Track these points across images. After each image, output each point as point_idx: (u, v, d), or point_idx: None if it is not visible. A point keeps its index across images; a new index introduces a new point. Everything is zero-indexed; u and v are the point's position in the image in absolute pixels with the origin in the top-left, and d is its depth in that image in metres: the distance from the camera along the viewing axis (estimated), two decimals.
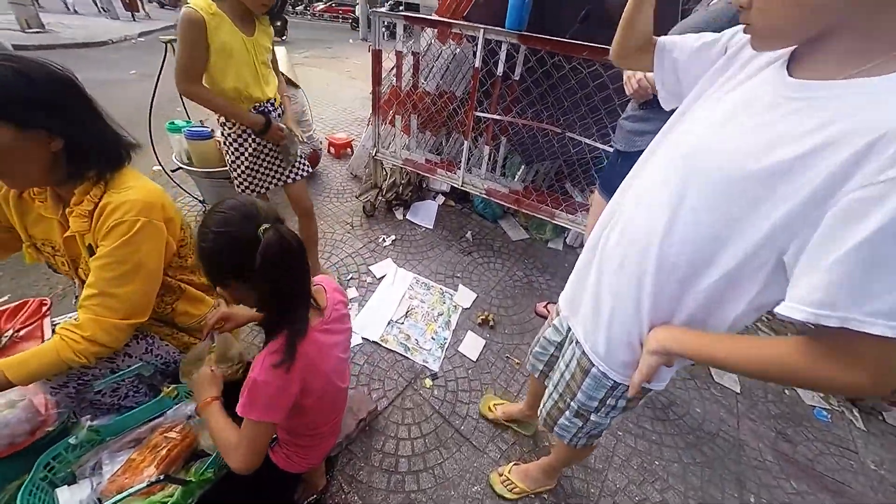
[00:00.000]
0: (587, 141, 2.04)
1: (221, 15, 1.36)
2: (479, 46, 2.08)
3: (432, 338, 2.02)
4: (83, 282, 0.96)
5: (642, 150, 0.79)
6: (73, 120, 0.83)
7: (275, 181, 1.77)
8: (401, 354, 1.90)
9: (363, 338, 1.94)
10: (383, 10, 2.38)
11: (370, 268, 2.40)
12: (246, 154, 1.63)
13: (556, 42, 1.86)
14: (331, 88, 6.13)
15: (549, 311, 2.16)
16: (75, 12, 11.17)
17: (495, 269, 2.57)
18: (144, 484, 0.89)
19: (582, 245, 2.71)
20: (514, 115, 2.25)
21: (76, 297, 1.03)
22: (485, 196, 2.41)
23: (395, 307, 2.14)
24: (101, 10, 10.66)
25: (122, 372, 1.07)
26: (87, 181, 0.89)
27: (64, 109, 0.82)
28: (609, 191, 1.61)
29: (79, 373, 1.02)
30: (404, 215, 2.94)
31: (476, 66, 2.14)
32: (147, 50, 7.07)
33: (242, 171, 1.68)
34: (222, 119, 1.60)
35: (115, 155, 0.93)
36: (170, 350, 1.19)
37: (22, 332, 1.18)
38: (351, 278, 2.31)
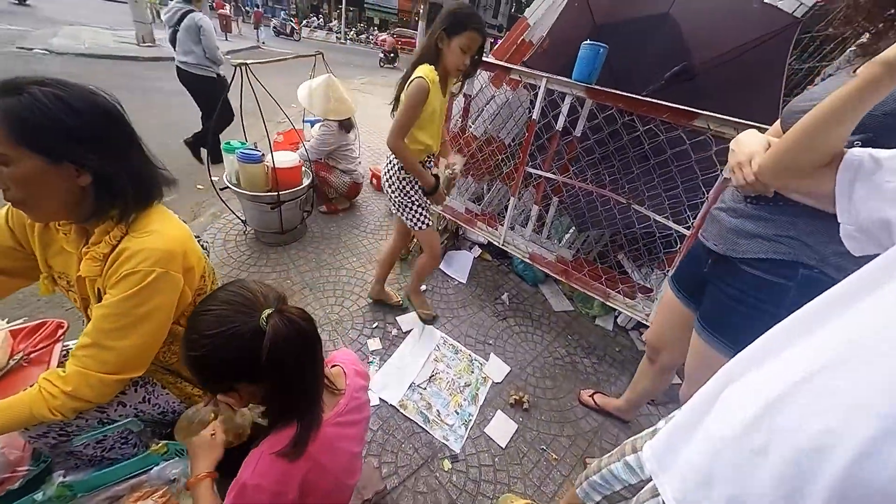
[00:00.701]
0: (658, 218, 1.70)
1: (437, 82, 1.51)
2: (540, 96, 1.84)
3: (456, 411, 1.73)
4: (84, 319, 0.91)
5: (749, 258, 0.61)
6: (108, 155, 0.76)
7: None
8: (419, 426, 1.63)
9: (381, 399, 1.70)
10: None
11: (397, 318, 2.14)
12: (419, 193, 1.77)
13: (633, 100, 1.57)
14: (382, 116, 6.15)
15: (595, 403, 1.79)
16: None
17: (533, 341, 2.21)
18: None
19: (637, 328, 2.31)
20: (570, 175, 1.95)
21: None
22: (528, 261, 2.10)
23: (418, 369, 1.86)
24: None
25: (106, 427, 0.96)
26: (109, 220, 0.81)
27: (102, 144, 0.75)
28: (687, 291, 1.20)
29: (61, 423, 0.90)
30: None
31: (533, 117, 1.89)
32: (227, 68, 7.44)
33: (419, 206, 1.77)
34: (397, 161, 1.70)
35: (145, 194, 0.85)
36: (170, 400, 1.08)
37: (32, 356, 1.10)
38: (376, 327, 2.07)
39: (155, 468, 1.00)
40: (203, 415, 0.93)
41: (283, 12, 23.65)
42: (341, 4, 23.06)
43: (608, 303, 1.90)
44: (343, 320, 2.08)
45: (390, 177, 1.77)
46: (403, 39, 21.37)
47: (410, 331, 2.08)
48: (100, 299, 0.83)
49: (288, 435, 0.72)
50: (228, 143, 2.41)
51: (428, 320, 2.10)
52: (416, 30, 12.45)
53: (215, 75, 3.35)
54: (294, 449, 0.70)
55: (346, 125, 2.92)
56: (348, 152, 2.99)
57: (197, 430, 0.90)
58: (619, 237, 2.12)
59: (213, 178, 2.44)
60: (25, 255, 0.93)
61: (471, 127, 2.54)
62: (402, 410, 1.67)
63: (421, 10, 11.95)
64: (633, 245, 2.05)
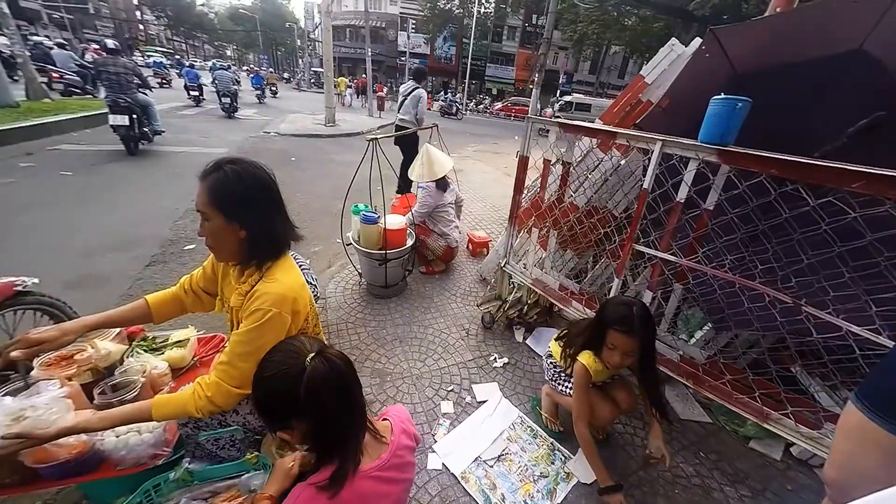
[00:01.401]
0: (855, 329, 1.10)
1: (599, 371, 1.47)
2: (653, 162, 1.52)
3: (525, 501, 1.43)
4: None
5: None
6: (258, 216, 1.00)
7: None
8: None
9: (444, 464, 1.56)
10: (549, 112, 2.15)
11: (473, 386, 1.98)
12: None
13: (794, 164, 1.13)
14: (485, 183, 6.40)
15: None
16: (350, 106, 16.94)
17: (643, 445, 1.67)
18: None
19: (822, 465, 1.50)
20: (698, 258, 1.50)
21: None
22: None
23: (487, 444, 1.64)
24: (368, 109, 15.18)
25: (221, 430, 1.16)
26: (253, 266, 1.05)
27: (256, 207, 1.00)
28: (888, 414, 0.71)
29: (196, 424, 1.15)
30: (524, 338, 2.39)
31: (644, 186, 1.56)
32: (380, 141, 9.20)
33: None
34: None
35: (277, 248, 1.07)
36: None
37: (203, 359, 1.39)
38: (451, 391, 1.94)
39: (245, 475, 1.12)
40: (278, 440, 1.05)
41: (448, 93, 24.81)
42: (465, 79, 26.14)
43: (768, 426, 1.28)
44: (422, 376, 2.04)
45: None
46: (517, 108, 22.74)
47: (485, 402, 1.88)
48: (237, 327, 1.04)
49: (329, 472, 0.76)
50: (356, 206, 2.76)
51: (555, 434, 1.75)
52: (531, 97, 13.06)
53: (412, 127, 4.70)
54: (331, 483, 0.75)
55: (442, 184, 3.05)
56: (444, 214, 3.08)
57: (278, 447, 1.05)
58: (790, 345, 1.46)
59: (343, 236, 2.81)
60: (212, 292, 1.24)
61: (571, 196, 2.31)
62: (462, 483, 1.50)
63: (536, 78, 12.56)
64: (816, 358, 1.37)
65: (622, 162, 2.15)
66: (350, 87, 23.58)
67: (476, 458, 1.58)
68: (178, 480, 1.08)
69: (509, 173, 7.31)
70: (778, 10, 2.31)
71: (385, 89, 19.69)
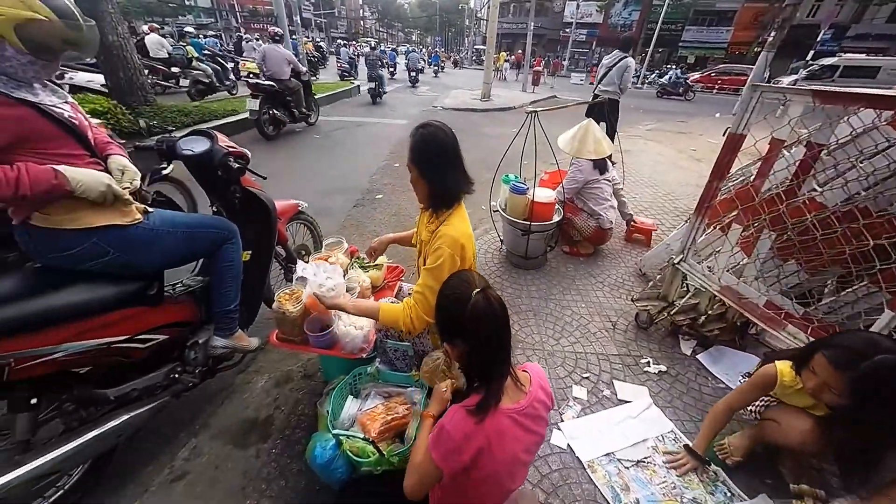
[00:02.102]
0: None
1: (794, 387, 1.31)
2: None
3: None
4: (418, 267, 1.38)
5: None
6: (436, 172, 1.19)
7: None
8: (605, 499, 1.32)
9: (569, 445, 1.50)
10: (787, 81, 1.60)
11: (615, 382, 1.81)
12: None
13: None
14: (658, 168, 5.30)
15: None
16: (505, 80, 17.30)
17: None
18: (362, 436, 1.15)
19: None
20: None
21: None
22: None
23: (625, 444, 1.50)
24: (523, 84, 14.81)
25: (399, 343, 1.42)
26: (435, 211, 1.25)
27: (434, 165, 1.18)
28: None
29: (385, 332, 1.43)
30: (694, 352, 1.97)
31: None
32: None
33: None
34: None
35: (452, 198, 1.24)
36: (428, 344, 1.44)
37: (388, 283, 1.76)
38: (586, 378, 1.83)
39: (409, 388, 1.35)
40: (436, 358, 1.23)
41: (674, 69, 17.03)
42: (648, 47, 21.01)
43: None
44: (555, 354, 1.99)
45: None
46: (725, 79, 17.17)
47: (629, 403, 1.69)
48: (424, 259, 1.26)
49: (477, 398, 0.85)
50: (506, 176, 2.79)
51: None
52: (755, 63, 9.65)
53: (619, 99, 4.78)
54: (479, 407, 0.83)
55: (600, 164, 2.75)
56: (597, 191, 2.77)
57: (433, 369, 1.21)
58: None
59: (491, 203, 2.93)
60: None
61: (813, 191, 1.67)
62: (588, 471, 1.41)
63: (771, 38, 9.20)
64: None
65: None
66: (508, 61, 22.97)
67: (609, 454, 1.46)
68: (371, 374, 1.39)
69: (697, 157, 5.88)
70: None
71: (542, 63, 18.22)
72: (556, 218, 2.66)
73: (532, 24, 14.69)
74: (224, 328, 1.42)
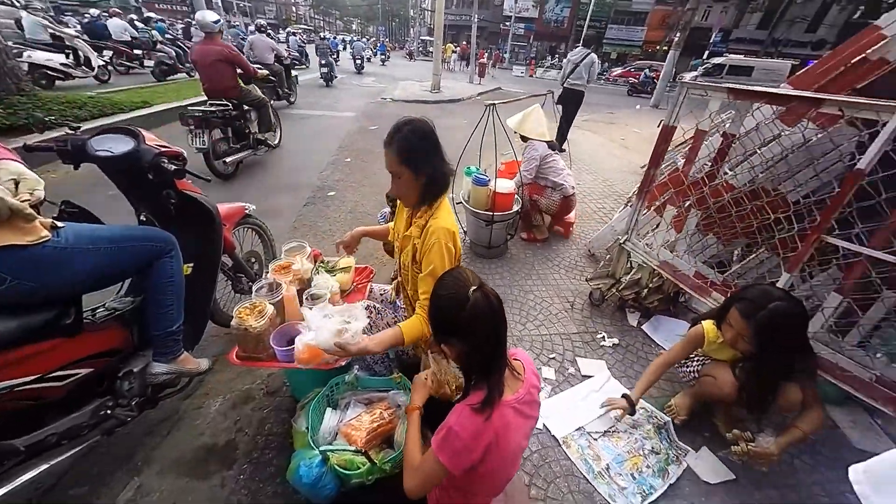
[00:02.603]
0: None
1: (716, 340, 1.45)
2: (883, 137, 1.14)
3: (633, 475, 1.38)
4: (399, 263, 1.34)
5: None
6: (433, 164, 1.15)
7: None
8: (581, 472, 1.40)
9: (544, 425, 1.56)
10: (694, 76, 1.79)
11: (578, 359, 1.92)
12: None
13: None
14: (597, 155, 5.72)
15: None
16: (454, 71, 17.41)
17: (803, 469, 1.44)
18: (352, 448, 1.09)
19: None
20: None
21: (394, 272, 1.49)
22: None
23: (592, 417, 1.60)
24: (469, 76, 14.99)
25: None
26: (426, 204, 1.21)
27: (428, 156, 1.14)
28: None
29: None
30: (639, 323, 2.18)
31: (860, 166, 1.19)
32: (479, 106, 9.10)
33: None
34: None
35: (445, 185, 1.21)
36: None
37: (358, 286, 1.65)
38: (552, 359, 1.93)
39: (392, 392, 1.29)
40: (438, 367, 1.13)
41: (645, 70, 17.65)
42: (578, 43, 22.68)
43: None
44: (522, 339, 2.06)
45: None
46: (633, 72, 19.06)
47: (591, 377, 1.82)
48: (413, 255, 1.22)
49: (480, 395, 0.84)
50: (468, 168, 2.79)
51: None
52: (666, 60, 10.80)
53: (585, 91, 5.17)
54: (484, 405, 0.82)
55: (551, 145, 2.93)
56: (553, 164, 2.90)
57: (441, 382, 1.13)
58: None
59: (452, 195, 2.90)
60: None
61: (727, 174, 1.90)
62: (564, 447, 1.49)
63: (676, 38, 10.32)
64: None
65: (817, 136, 1.66)
66: (455, 52, 23.35)
67: (580, 428, 1.55)
68: (349, 383, 1.31)
69: (627, 145, 6.42)
70: None
71: (486, 56, 18.59)
72: (516, 207, 2.73)
73: (476, 16, 14.74)
74: (166, 352, 1.23)
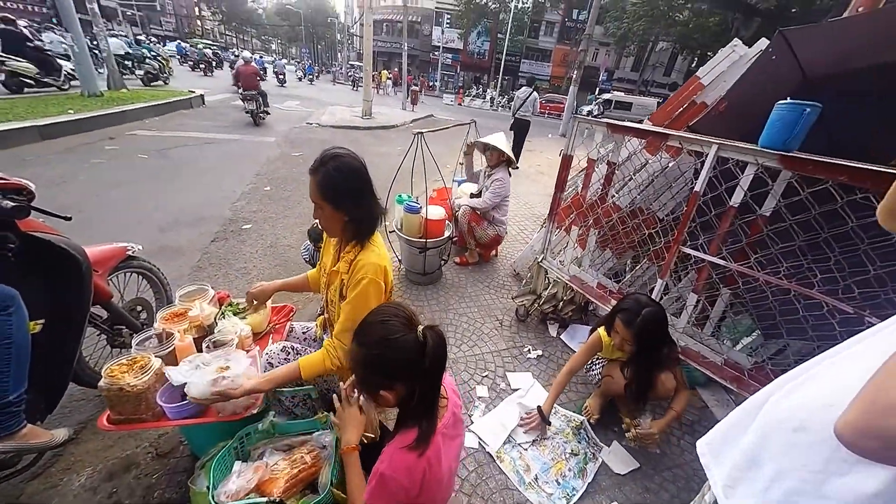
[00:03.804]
0: None
1: (609, 345, 1.65)
2: (707, 165, 1.49)
3: (557, 481, 1.49)
4: (326, 299, 1.33)
5: None
6: (357, 204, 1.15)
7: None
8: (514, 484, 1.46)
9: (479, 443, 1.62)
10: (586, 111, 2.14)
11: (507, 374, 2.04)
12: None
13: (871, 173, 1.08)
14: (517, 180, 6.28)
15: None
16: (388, 96, 18.33)
17: (680, 447, 1.69)
18: (265, 500, 0.99)
19: None
20: (750, 264, 1.46)
21: (320, 308, 1.44)
22: (682, 358, 1.63)
23: (516, 425, 1.70)
24: (403, 103, 15.37)
25: (298, 388, 1.26)
26: (354, 240, 1.21)
27: (354, 197, 1.14)
28: None
29: None
30: (558, 333, 2.41)
31: (696, 189, 1.54)
32: (410, 135, 9.35)
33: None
34: None
35: (373, 226, 1.22)
36: (333, 380, 1.35)
37: (276, 326, 1.55)
38: (485, 377, 2.01)
39: (316, 433, 1.22)
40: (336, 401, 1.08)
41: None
42: (498, 75, 25.18)
43: None
44: (458, 361, 2.11)
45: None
46: (552, 105, 21.69)
47: (518, 389, 1.94)
48: (340, 290, 1.20)
49: (411, 435, 0.82)
50: (399, 196, 2.85)
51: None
52: (567, 94, 12.55)
53: (530, 120, 6.79)
54: (418, 444, 0.80)
55: (509, 163, 3.11)
56: (506, 205, 3.10)
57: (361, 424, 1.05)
58: None
59: (386, 223, 2.91)
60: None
61: (613, 196, 2.27)
62: (497, 462, 1.56)
63: (574, 75, 12.12)
64: None
65: (671, 164, 2.09)
66: (390, 78, 24.41)
67: (510, 440, 1.64)
68: (264, 431, 1.21)
69: (542, 171, 7.19)
70: (860, 9, 2.13)
71: (419, 85, 19.63)
72: (447, 233, 2.85)
73: (406, 44, 15.44)
74: (1, 427, 1.01)
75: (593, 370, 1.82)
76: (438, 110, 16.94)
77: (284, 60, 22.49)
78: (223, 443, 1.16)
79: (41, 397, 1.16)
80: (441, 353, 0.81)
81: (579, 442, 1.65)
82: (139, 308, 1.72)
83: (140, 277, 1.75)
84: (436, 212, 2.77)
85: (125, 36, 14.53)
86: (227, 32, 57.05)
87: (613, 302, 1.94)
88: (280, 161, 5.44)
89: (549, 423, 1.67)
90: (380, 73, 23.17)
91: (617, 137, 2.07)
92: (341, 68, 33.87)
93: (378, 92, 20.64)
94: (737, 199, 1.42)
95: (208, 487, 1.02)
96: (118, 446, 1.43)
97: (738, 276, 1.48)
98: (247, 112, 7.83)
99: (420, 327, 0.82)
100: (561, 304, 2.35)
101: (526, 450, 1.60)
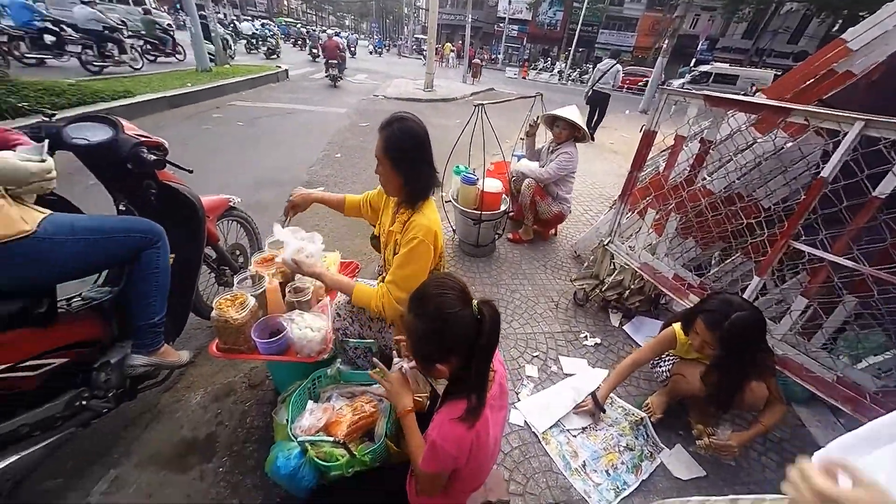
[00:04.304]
0: None
1: (684, 342, 1.54)
2: (844, 146, 1.21)
3: (607, 471, 1.43)
4: (384, 258, 1.39)
5: None
6: (412, 167, 1.19)
7: None
8: (558, 468, 1.44)
9: (526, 422, 1.59)
10: (681, 83, 1.86)
11: (560, 357, 1.97)
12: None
13: None
14: (584, 157, 5.80)
15: None
16: (452, 68, 18.71)
17: (764, 464, 1.52)
18: (331, 440, 1.07)
19: None
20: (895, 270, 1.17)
21: (378, 267, 1.52)
22: (779, 369, 1.42)
23: (569, 412, 1.64)
24: (463, 76, 15.18)
25: (361, 341, 1.37)
26: (408, 202, 1.24)
27: (411, 160, 1.18)
28: None
29: (344, 331, 1.38)
30: (621, 323, 2.24)
31: (822, 175, 1.26)
32: (471, 107, 9.06)
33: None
34: None
35: (427, 191, 1.25)
36: (390, 336, 1.39)
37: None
38: (535, 356, 1.96)
39: (375, 385, 1.27)
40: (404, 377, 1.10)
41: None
42: (570, 46, 22.81)
43: None
44: (507, 337, 2.09)
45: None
46: (632, 79, 18.80)
47: (572, 375, 1.86)
48: (394, 250, 1.25)
49: (461, 406, 0.81)
50: (457, 167, 2.82)
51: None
52: (654, 67, 11.06)
53: (609, 94, 6.55)
54: (468, 416, 0.80)
55: (582, 137, 2.89)
56: (571, 182, 2.94)
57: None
58: None
59: (442, 194, 2.93)
60: (376, 211, 1.50)
61: (705, 179, 1.98)
62: (543, 443, 1.52)
63: (665, 45, 10.57)
64: None
65: (788, 144, 1.74)
66: (453, 51, 23.90)
67: (558, 424, 1.59)
68: (332, 377, 1.31)
69: (615, 149, 6.55)
70: None
71: (475, 54, 18.47)
72: (504, 207, 2.77)
73: (470, 16, 14.80)
74: (147, 344, 1.22)
75: (660, 367, 1.67)
76: (500, 83, 16.15)
77: (356, 35, 24.05)
78: (299, 382, 1.29)
79: (171, 322, 1.37)
80: (496, 329, 0.80)
81: (636, 438, 1.55)
82: (237, 252, 1.97)
83: (238, 225, 1.99)
84: (493, 184, 2.69)
85: (249, 19, 18.72)
86: (308, 11, 59.66)
87: (693, 297, 1.74)
88: (349, 131, 5.67)
89: (604, 411, 1.59)
90: (443, 45, 23.13)
91: (717, 112, 1.77)
92: (406, 42, 33.79)
93: (442, 65, 20.91)
94: (885, 188, 1.14)
95: (287, 420, 1.15)
96: (222, 373, 1.68)
97: (874, 283, 1.21)
98: (327, 76, 9.83)
99: (475, 302, 0.80)
100: (627, 292, 2.17)
101: (575, 436, 1.55)
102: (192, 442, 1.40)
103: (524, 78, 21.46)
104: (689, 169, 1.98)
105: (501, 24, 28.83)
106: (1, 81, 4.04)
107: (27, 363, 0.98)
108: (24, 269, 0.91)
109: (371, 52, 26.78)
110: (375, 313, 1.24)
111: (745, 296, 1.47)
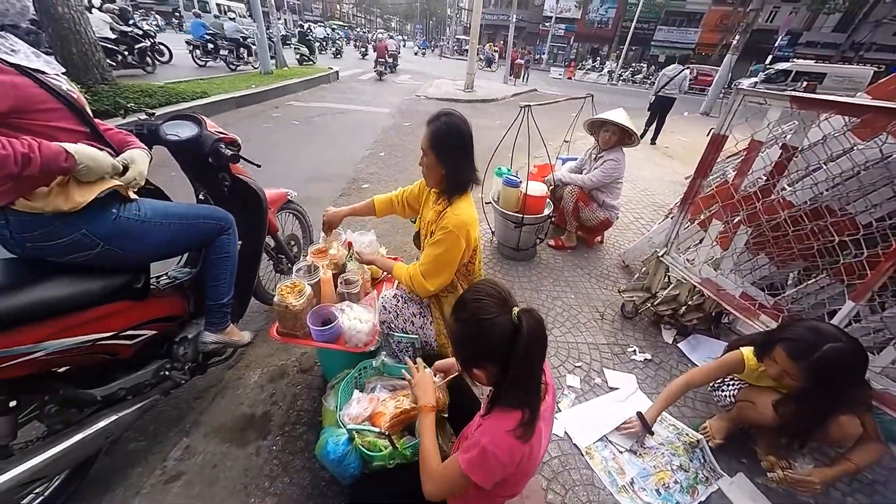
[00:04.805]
0: None
1: (755, 368, 1.40)
2: None
3: (658, 490, 1.34)
4: (422, 251, 1.41)
5: None
6: (454, 162, 1.26)
7: None
8: (603, 484, 1.37)
9: (566, 432, 1.53)
10: (753, 82, 1.71)
11: (605, 371, 1.87)
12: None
13: None
14: (636, 163, 5.45)
15: None
16: (494, 70, 18.78)
17: None
18: (377, 430, 1.10)
19: None
20: None
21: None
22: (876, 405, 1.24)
23: (613, 429, 1.55)
24: (504, 77, 14.95)
25: (404, 335, 1.40)
26: (445, 195, 1.32)
27: (453, 155, 1.25)
28: None
29: (389, 324, 1.39)
30: (675, 340, 2.08)
31: None
32: (512, 108, 8.88)
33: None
34: None
35: (465, 185, 1.31)
36: (431, 334, 1.42)
37: (388, 277, 1.68)
38: (578, 367, 1.88)
39: None
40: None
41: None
42: (623, 45, 21.27)
43: None
44: (548, 344, 1.98)
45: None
46: (702, 78, 16.73)
47: (617, 389, 1.76)
48: (429, 236, 1.32)
49: (514, 417, 0.78)
50: (499, 169, 2.78)
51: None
52: (720, 65, 10.09)
53: (675, 98, 6.37)
54: (524, 430, 0.77)
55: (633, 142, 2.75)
56: (618, 188, 2.80)
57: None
58: None
59: (482, 195, 2.91)
60: (415, 204, 1.57)
61: (784, 190, 1.77)
62: (586, 457, 1.45)
63: (735, 42, 9.63)
64: None
65: None
66: (496, 51, 23.78)
67: (603, 439, 1.51)
68: (377, 368, 1.34)
69: (670, 154, 6.10)
70: None
71: (518, 55, 17.58)
72: (547, 211, 2.69)
73: (514, 16, 14.54)
74: (216, 322, 1.34)
75: (723, 391, 1.52)
76: (544, 84, 15.72)
77: (401, 37, 25.42)
78: (346, 370, 1.34)
79: (237, 304, 1.49)
80: (538, 337, 0.76)
81: (691, 460, 1.43)
82: (292, 243, 2.09)
83: (293, 217, 2.11)
84: (537, 188, 2.61)
85: (321, 24, 21.60)
86: (357, 14, 62.29)
87: (765, 318, 1.56)
88: (393, 130, 5.83)
89: (652, 433, 1.48)
90: (485, 46, 23.35)
91: (807, 115, 1.57)
92: (447, 42, 34.05)
93: (483, 67, 20.76)
94: None
95: (336, 407, 1.20)
96: (276, 356, 1.79)
97: None
98: (376, 70, 11.73)
99: (515, 309, 0.77)
100: (683, 308, 2.00)
101: (621, 453, 1.46)
102: (251, 418, 1.50)
103: (570, 78, 20.64)
104: (765, 177, 1.78)
105: (547, 24, 27.99)
106: (110, 85, 4.66)
107: (127, 332, 1.10)
108: (130, 245, 1.04)
109: (416, 53, 28.34)
110: (405, 286, 1.36)
111: (834, 322, 1.29)
